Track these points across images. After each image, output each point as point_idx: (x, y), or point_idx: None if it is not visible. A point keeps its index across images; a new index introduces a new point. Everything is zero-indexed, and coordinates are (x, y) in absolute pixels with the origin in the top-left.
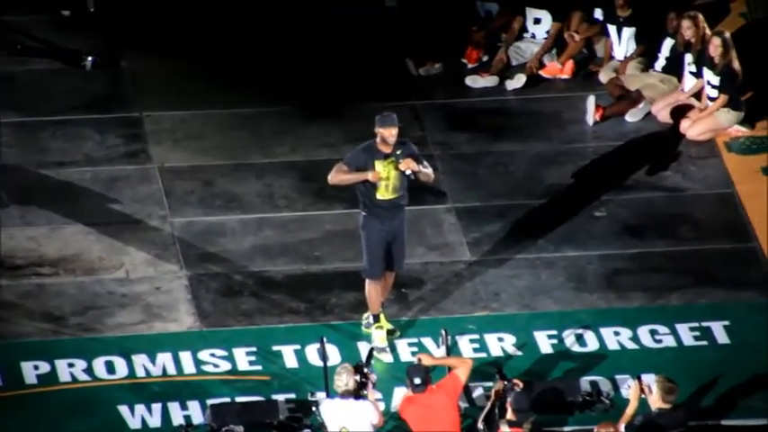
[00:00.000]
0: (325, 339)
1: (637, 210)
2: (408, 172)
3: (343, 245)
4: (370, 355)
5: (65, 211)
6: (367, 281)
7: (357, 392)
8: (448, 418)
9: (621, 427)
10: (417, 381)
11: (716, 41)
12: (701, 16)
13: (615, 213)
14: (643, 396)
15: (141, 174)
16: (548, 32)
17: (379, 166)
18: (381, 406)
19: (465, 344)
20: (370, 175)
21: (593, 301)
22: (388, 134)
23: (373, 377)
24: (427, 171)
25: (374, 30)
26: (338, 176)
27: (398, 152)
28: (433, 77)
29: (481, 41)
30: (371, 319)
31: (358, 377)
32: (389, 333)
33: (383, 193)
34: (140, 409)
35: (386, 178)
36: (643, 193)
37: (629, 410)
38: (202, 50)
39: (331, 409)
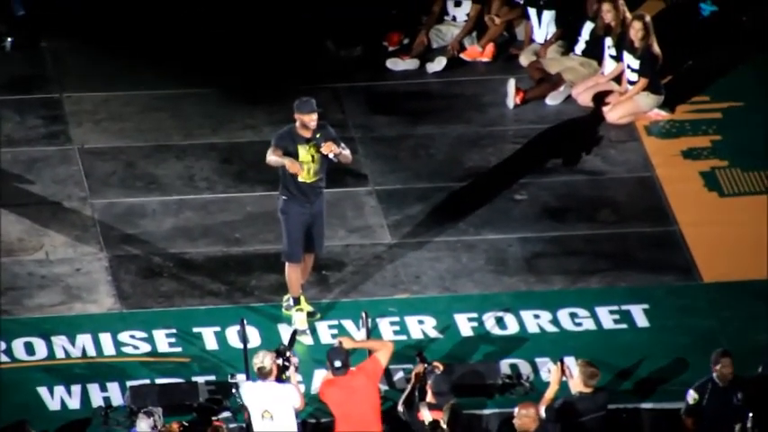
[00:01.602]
0: (245, 321)
1: (557, 193)
2: (331, 155)
3: (263, 227)
4: (292, 339)
5: None
6: (287, 264)
7: (279, 375)
8: (368, 400)
9: (542, 409)
10: (338, 363)
11: (636, 25)
12: (621, 0)
13: (536, 196)
14: (564, 379)
15: (61, 155)
16: (468, 15)
17: (302, 150)
18: (302, 388)
19: (385, 326)
20: (287, 164)
21: (513, 284)
22: (308, 119)
23: (295, 360)
24: (346, 153)
25: (296, 12)
26: (269, 157)
27: (318, 135)
28: (354, 60)
29: (401, 24)
30: (292, 302)
31: (280, 360)
32: (310, 315)
33: (304, 177)
34: (60, 390)
35: (307, 162)
36: (563, 176)
37: (550, 393)
38: (124, 31)
39: (252, 392)
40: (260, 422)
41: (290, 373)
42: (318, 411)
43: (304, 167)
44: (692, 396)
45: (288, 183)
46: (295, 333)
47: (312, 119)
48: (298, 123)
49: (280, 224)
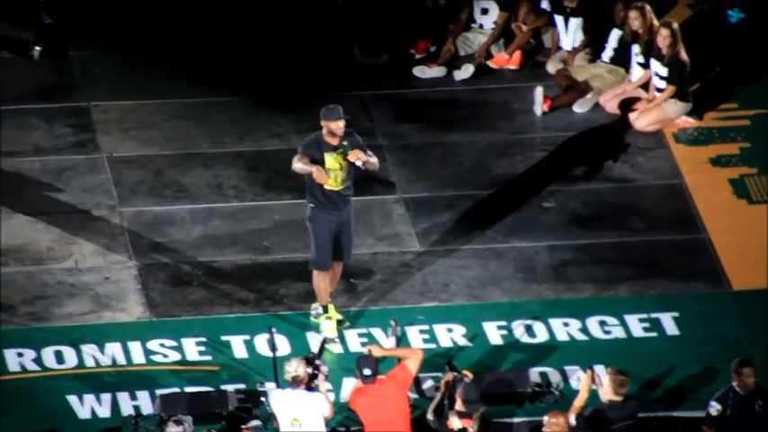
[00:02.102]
0: (274, 330)
1: (585, 200)
2: (358, 163)
3: (291, 235)
4: (322, 347)
5: (13, 201)
6: (315, 272)
7: (309, 383)
8: (398, 408)
9: (571, 417)
10: (367, 372)
11: (664, 32)
12: (648, 7)
13: (564, 204)
14: (594, 387)
15: (90, 163)
16: (495, 23)
17: (329, 158)
18: (331, 397)
19: (414, 334)
20: (314, 173)
21: (542, 292)
22: (335, 127)
23: (325, 369)
24: (373, 160)
25: (323, 20)
26: (295, 164)
27: (345, 143)
28: (381, 68)
29: (429, 32)
30: (320, 310)
31: (309, 369)
32: (338, 323)
33: (331, 185)
34: (90, 399)
35: (334, 170)
36: (591, 183)
37: (579, 401)
38: (151, 40)
39: (281, 400)
40: (289, 430)
41: (320, 381)
42: (348, 420)
43: (331, 175)
44: (715, 407)
45: (314, 190)
46: (324, 341)
47: (339, 126)
48: (324, 131)
49: (308, 232)
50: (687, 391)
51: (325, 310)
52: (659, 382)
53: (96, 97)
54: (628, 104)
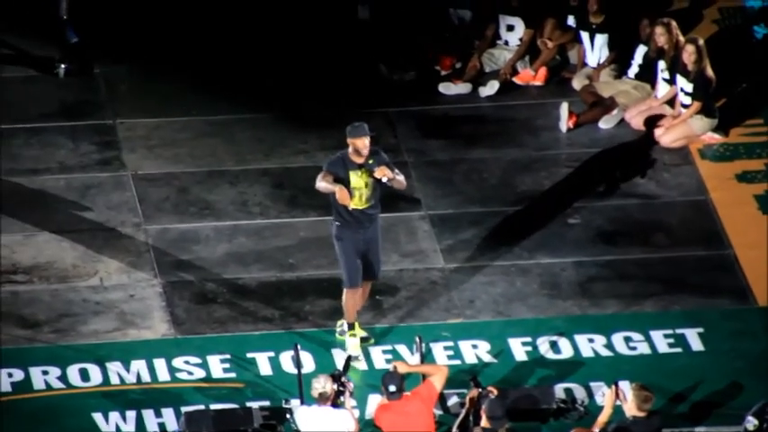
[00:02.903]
0: (299, 347)
1: (611, 217)
2: (384, 179)
3: (317, 252)
4: (347, 364)
5: (38, 219)
6: (345, 290)
7: (335, 400)
8: (423, 425)
9: None
10: (392, 388)
11: (689, 48)
12: (674, 23)
13: (589, 220)
14: (618, 403)
15: (115, 181)
16: (521, 39)
17: (354, 176)
18: (357, 413)
19: (439, 351)
20: (337, 192)
21: (567, 308)
22: (361, 145)
23: (350, 385)
24: (400, 178)
25: (348, 37)
26: (318, 183)
27: (371, 161)
28: (407, 84)
29: (454, 48)
30: (346, 327)
31: (335, 385)
32: (363, 341)
33: (357, 203)
34: (115, 416)
35: (359, 188)
36: (617, 200)
37: (603, 417)
38: (176, 57)
39: (307, 417)
40: None
41: (345, 398)
42: None
43: (356, 194)
44: (752, 423)
45: (340, 209)
46: (350, 358)
47: (365, 143)
48: (350, 149)
49: (333, 248)
50: (712, 407)
51: (351, 327)
52: (684, 397)
53: (121, 115)
54: (653, 121)
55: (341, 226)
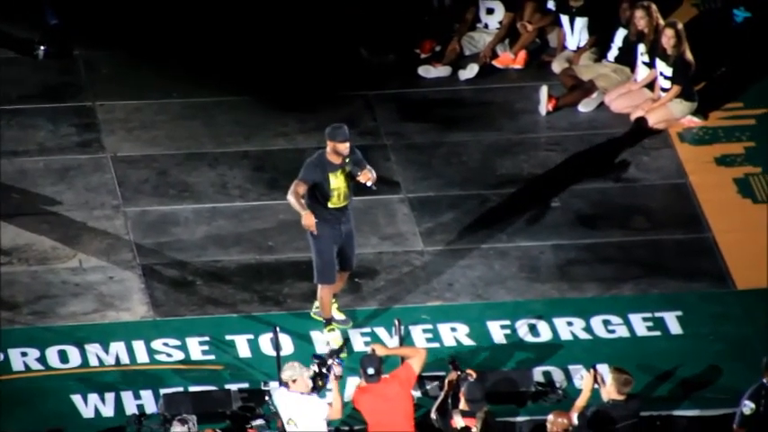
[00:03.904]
0: (278, 329)
1: (590, 200)
2: (369, 183)
3: (296, 235)
4: (341, 347)
5: (18, 201)
6: (320, 286)
7: (315, 383)
8: (402, 407)
9: (573, 416)
10: (371, 371)
11: (668, 32)
12: (654, 6)
13: (568, 203)
14: (596, 386)
15: (94, 163)
16: (500, 22)
17: (333, 178)
18: (339, 399)
19: (418, 334)
20: (303, 219)
21: (546, 291)
22: (342, 148)
23: (338, 370)
24: (373, 175)
25: (328, 19)
26: (290, 197)
27: (347, 160)
28: (387, 67)
29: (434, 31)
30: (324, 321)
31: (322, 368)
32: (342, 323)
33: (335, 203)
34: (93, 398)
35: (338, 189)
36: (596, 183)
37: (581, 401)
38: (156, 39)
39: (281, 399)
40: (286, 427)
41: (330, 380)
42: (351, 419)
43: (334, 194)
44: (748, 406)
45: (316, 208)
46: (346, 341)
47: (346, 147)
48: (329, 149)
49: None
50: (690, 390)
51: (328, 322)
52: (663, 380)
53: (101, 97)
54: (633, 104)
55: (318, 223)
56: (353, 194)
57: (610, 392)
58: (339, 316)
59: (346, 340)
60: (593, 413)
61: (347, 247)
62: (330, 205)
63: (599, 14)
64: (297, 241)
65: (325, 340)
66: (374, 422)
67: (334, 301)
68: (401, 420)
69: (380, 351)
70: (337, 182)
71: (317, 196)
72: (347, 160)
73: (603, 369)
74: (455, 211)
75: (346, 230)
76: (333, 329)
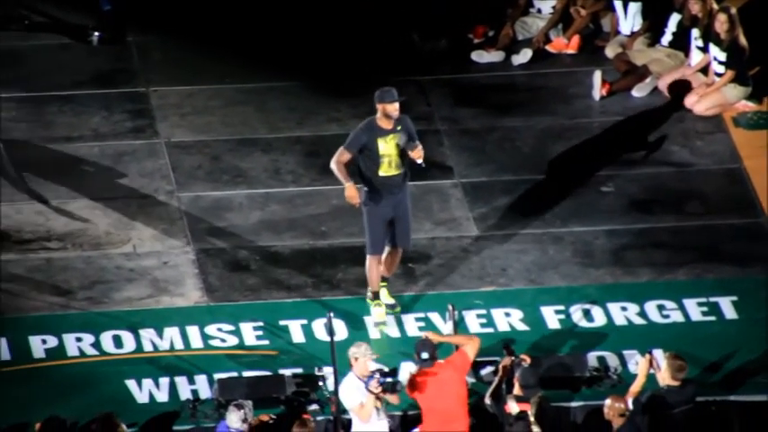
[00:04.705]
0: (332, 314)
1: (644, 185)
2: (419, 161)
3: (349, 219)
4: (392, 372)
5: (72, 186)
6: (368, 256)
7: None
8: (456, 392)
9: (629, 401)
10: (425, 355)
11: (721, 17)
12: None
13: (622, 188)
14: (651, 371)
15: (148, 149)
16: (554, 7)
17: (382, 143)
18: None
19: (472, 319)
20: (346, 191)
21: (600, 277)
22: (391, 109)
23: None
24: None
25: (381, 4)
26: (333, 166)
27: (399, 128)
28: (440, 52)
29: (487, 16)
30: (370, 295)
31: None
32: (390, 308)
33: (386, 170)
34: (148, 383)
35: (388, 155)
36: (650, 168)
37: (636, 386)
38: (209, 25)
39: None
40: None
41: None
42: (405, 404)
43: (384, 161)
44: None
45: (367, 175)
46: (395, 370)
47: (395, 108)
48: (379, 114)
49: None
50: (745, 375)
51: (376, 296)
52: (717, 365)
53: (154, 83)
54: (687, 89)
55: (369, 192)
56: (411, 172)
57: (664, 378)
58: (388, 300)
59: (395, 369)
60: (648, 398)
61: (401, 221)
62: (381, 173)
63: None
64: (350, 226)
65: (373, 322)
66: (428, 408)
67: (384, 284)
68: (455, 405)
69: (434, 339)
70: (387, 148)
71: (368, 164)
72: (399, 128)
73: (659, 354)
74: (508, 196)
75: (400, 204)
76: (379, 305)
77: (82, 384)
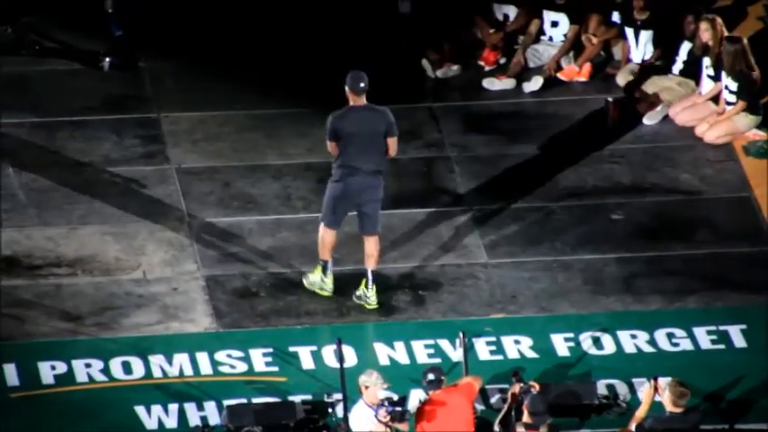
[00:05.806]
0: (341, 341)
1: (654, 213)
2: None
3: (359, 246)
4: (401, 401)
5: (82, 212)
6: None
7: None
8: (463, 416)
9: (632, 427)
10: (431, 376)
11: (728, 47)
12: (719, 19)
13: (632, 216)
14: (657, 398)
15: (159, 175)
16: (565, 35)
17: None
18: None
19: (482, 346)
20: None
21: (609, 304)
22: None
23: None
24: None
25: (391, 31)
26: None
27: None
28: (451, 79)
29: (498, 44)
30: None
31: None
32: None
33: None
34: (157, 409)
35: None
36: (660, 196)
37: (641, 412)
38: (220, 51)
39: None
40: None
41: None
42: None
43: None
44: None
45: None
46: (405, 398)
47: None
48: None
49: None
50: (754, 404)
51: (324, 268)
52: (726, 394)
53: (166, 109)
54: (697, 117)
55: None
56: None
57: (667, 405)
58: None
59: (404, 398)
60: (651, 424)
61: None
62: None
63: (664, 27)
64: (360, 253)
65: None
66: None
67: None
68: (462, 429)
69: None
70: None
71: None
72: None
73: (665, 381)
74: (519, 223)
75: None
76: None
77: (91, 410)
